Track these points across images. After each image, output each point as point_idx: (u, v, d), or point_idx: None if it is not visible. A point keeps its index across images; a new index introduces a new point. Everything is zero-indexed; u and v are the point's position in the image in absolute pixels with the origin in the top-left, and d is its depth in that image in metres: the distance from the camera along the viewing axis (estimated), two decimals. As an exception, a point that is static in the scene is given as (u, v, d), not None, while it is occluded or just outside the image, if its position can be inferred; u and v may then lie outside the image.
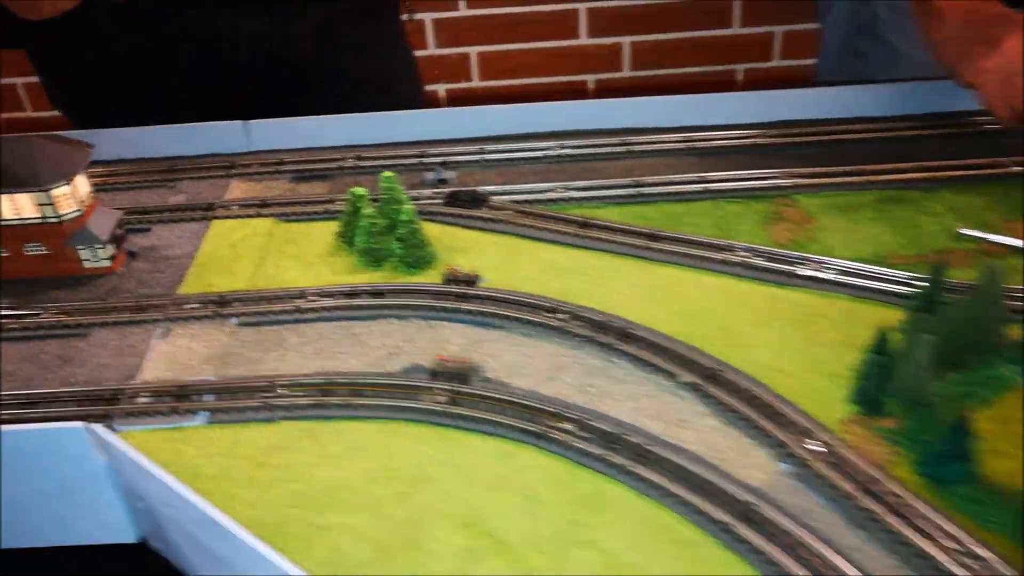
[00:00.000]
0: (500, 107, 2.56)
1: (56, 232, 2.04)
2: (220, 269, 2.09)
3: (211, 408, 1.71)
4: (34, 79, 4.22)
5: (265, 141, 2.59)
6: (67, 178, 1.98)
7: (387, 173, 2.06)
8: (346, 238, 2.14)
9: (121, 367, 1.83)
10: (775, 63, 4.49)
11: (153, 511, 1.63)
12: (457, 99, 4.62)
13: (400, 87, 3.00)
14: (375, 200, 2.09)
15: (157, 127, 2.59)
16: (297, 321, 1.92)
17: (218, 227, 2.25)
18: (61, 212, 2.01)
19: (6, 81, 4.32)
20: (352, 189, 2.11)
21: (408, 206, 2.04)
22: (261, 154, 2.56)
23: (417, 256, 2.04)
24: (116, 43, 2.57)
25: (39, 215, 2.01)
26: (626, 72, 4.60)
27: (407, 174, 2.43)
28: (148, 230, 2.26)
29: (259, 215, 2.28)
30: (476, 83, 4.59)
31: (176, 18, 2.56)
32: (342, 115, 2.57)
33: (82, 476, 1.65)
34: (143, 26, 2.53)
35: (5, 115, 4.39)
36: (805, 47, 4.34)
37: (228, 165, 2.50)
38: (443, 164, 2.38)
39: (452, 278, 1.99)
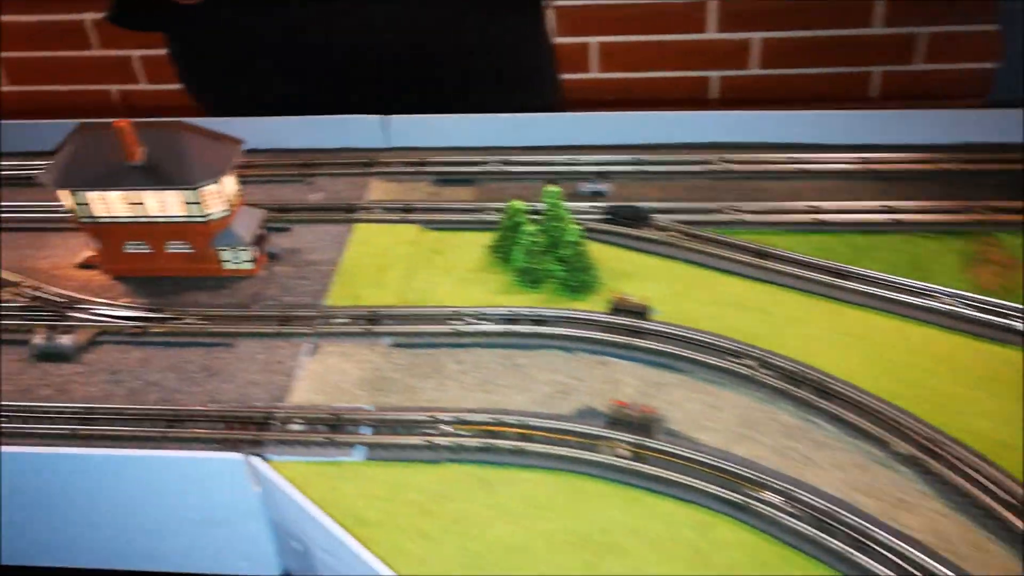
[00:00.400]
0: (656, 114, 2.38)
1: (201, 231, 1.93)
2: (367, 280, 1.96)
3: (370, 443, 1.58)
4: (150, 52, 4.16)
5: (405, 138, 2.45)
6: (216, 176, 1.86)
7: (551, 187, 1.90)
8: (501, 253, 1.99)
9: (269, 385, 1.71)
10: (918, 67, 4.21)
11: (307, 551, 1.51)
12: (573, 91, 4.42)
13: (543, 80, 2.84)
14: (534, 214, 1.94)
15: (293, 118, 2.46)
16: (454, 346, 1.78)
17: (361, 232, 2.11)
18: (208, 211, 1.89)
19: (121, 53, 4.26)
20: (511, 203, 1.96)
21: (573, 225, 1.88)
22: (401, 152, 2.42)
23: (581, 280, 1.88)
24: (257, 28, 2.45)
25: (185, 213, 1.90)
26: (753, 70, 4.36)
27: (557, 183, 2.26)
28: (288, 230, 2.14)
29: (404, 220, 2.14)
30: (595, 75, 4.40)
31: (318, 3, 2.42)
32: (486, 115, 2.42)
33: (234, 506, 1.54)
34: (286, 12, 2.40)
35: (119, 87, 4.34)
36: (955, 50, 4.05)
37: (367, 162, 2.36)
38: (599, 175, 2.21)
39: (620, 307, 1.83)
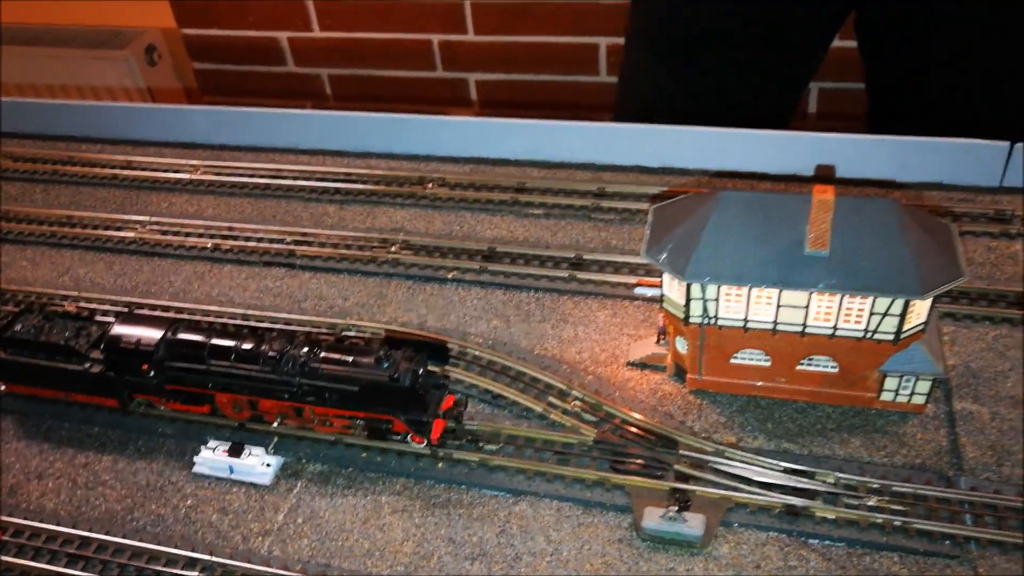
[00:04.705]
0: None
1: (874, 351, 1.22)
2: None
3: None
4: None
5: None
6: (949, 281, 1.14)
7: None
8: None
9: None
10: None
11: None
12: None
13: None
14: None
15: (856, 136, 1.72)
16: None
17: (1064, 346, 1.35)
18: (907, 327, 1.17)
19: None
20: None
21: None
22: (1034, 197, 1.63)
23: None
24: None
25: (862, 326, 1.19)
26: None
27: None
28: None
29: (1125, 330, 1.36)
30: None
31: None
32: None
33: None
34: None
35: (290, 33, 3.73)
36: None
37: (998, 216, 1.59)
38: None
39: None
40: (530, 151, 1.91)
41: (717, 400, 1.36)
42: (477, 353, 1.46)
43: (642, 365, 1.42)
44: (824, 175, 1.13)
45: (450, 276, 1.63)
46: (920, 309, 1.18)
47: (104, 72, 3.99)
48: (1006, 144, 1.64)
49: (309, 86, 4.02)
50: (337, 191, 1.89)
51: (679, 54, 1.96)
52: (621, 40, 3.40)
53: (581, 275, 1.60)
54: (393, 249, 1.70)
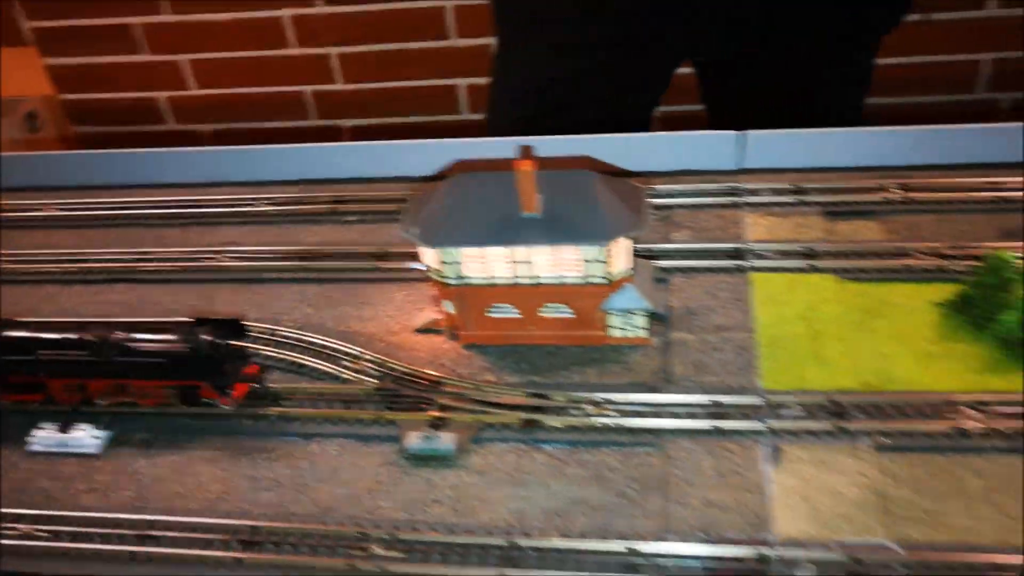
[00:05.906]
0: None
1: (593, 293, 1.51)
2: (802, 353, 1.52)
3: (930, 609, 1.13)
4: (201, 56, 3.80)
5: (763, 157, 1.99)
6: (632, 228, 1.44)
7: (1066, 234, 1.42)
8: (970, 316, 1.52)
9: (742, 511, 1.29)
10: None
11: None
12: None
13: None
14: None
15: (623, 136, 2.03)
16: (960, 450, 1.33)
17: (763, 284, 1.67)
18: (612, 270, 1.48)
19: (170, 58, 3.92)
20: (996, 253, 1.49)
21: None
22: (763, 175, 1.97)
23: (1111, 358, 1.40)
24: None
25: (581, 273, 1.48)
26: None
27: (990, 215, 1.79)
28: (665, 282, 1.71)
29: (812, 269, 1.69)
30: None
31: None
32: (872, 129, 1.95)
33: None
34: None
35: (168, 92, 4.04)
36: None
37: (730, 191, 1.91)
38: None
39: None
40: (350, 170, 2.19)
41: (485, 351, 1.63)
42: (286, 333, 1.71)
43: (426, 330, 1.69)
44: (525, 155, 1.42)
45: (271, 277, 1.88)
46: (618, 254, 1.48)
47: (-12, 140, 4.17)
48: (734, 133, 1.97)
49: (191, 142, 4.24)
50: (180, 216, 2.13)
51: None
52: (479, 80, 3.73)
53: (383, 265, 1.86)
54: (223, 260, 1.94)
